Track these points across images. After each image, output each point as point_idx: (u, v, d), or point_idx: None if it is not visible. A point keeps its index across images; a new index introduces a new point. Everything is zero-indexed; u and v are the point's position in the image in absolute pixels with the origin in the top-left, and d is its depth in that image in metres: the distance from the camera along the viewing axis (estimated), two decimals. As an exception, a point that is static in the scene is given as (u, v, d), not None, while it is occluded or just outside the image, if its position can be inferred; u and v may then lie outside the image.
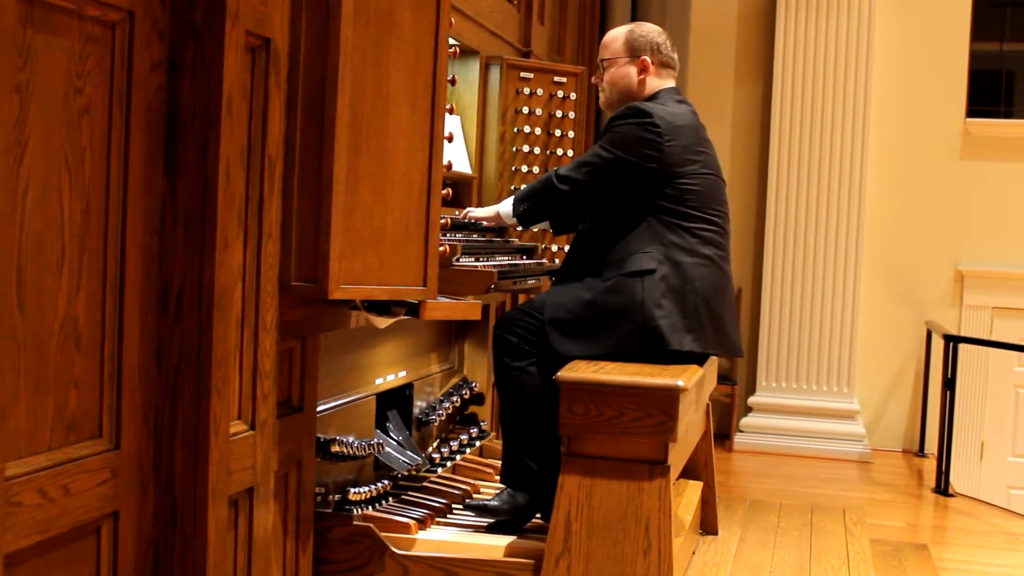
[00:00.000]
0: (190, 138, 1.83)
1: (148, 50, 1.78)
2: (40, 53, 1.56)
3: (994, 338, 5.66)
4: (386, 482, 2.97)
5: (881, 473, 5.37)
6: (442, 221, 2.86)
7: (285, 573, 2.45)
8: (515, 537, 2.84)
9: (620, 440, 2.65)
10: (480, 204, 3.75)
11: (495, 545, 2.78)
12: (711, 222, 3.03)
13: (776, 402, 5.78)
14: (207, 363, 1.83)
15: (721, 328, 3.01)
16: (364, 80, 2.24)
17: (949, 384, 4.99)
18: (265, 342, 2.03)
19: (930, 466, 5.34)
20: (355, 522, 2.72)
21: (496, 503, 2.93)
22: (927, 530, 4.50)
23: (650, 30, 3.20)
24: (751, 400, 5.84)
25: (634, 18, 5.39)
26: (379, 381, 3.10)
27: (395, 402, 3.23)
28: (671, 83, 3.19)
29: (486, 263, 3.15)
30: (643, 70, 3.15)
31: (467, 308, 2.55)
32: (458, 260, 2.98)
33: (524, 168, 3.86)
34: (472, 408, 3.79)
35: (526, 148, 3.84)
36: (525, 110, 3.81)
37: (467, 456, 3.55)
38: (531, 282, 3.42)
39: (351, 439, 2.79)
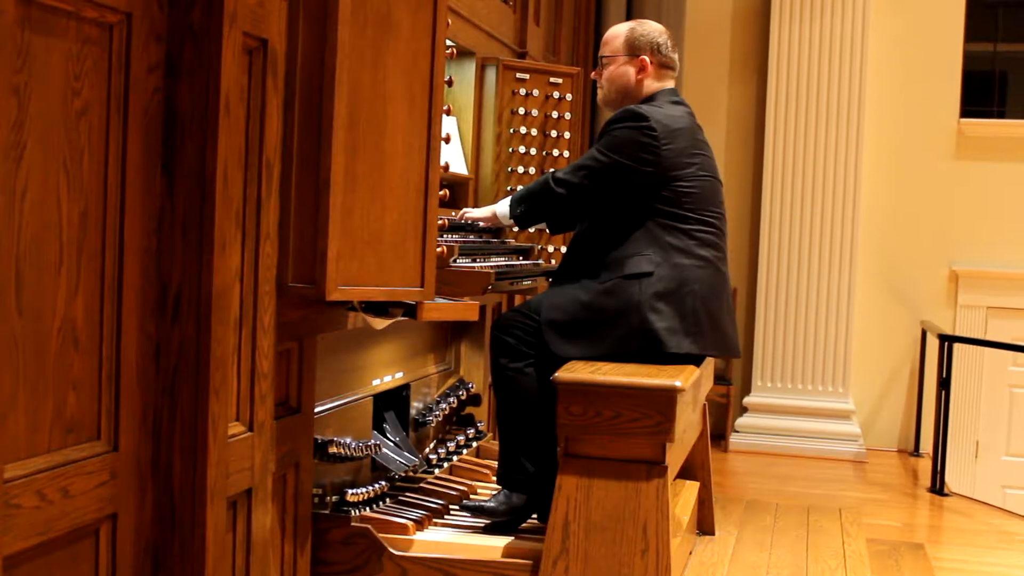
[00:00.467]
0: (188, 140, 1.82)
1: (146, 52, 1.77)
2: (38, 55, 1.56)
3: (988, 338, 5.67)
4: (383, 483, 2.97)
5: (876, 473, 5.38)
6: (439, 222, 2.86)
7: (283, 574, 2.45)
8: (513, 538, 2.85)
9: (618, 441, 2.66)
10: (476, 205, 3.76)
11: (493, 546, 2.78)
12: (708, 224, 3.03)
13: (772, 402, 5.79)
14: (205, 364, 1.83)
15: (719, 329, 3.01)
16: (362, 81, 2.24)
17: (944, 384, 5.00)
18: (263, 343, 2.03)
19: (925, 466, 5.35)
20: (353, 523, 2.72)
21: (492, 504, 2.93)
22: (923, 529, 4.51)
23: (652, 29, 3.19)
24: (747, 400, 5.85)
25: (629, 19, 5.40)
26: (376, 382, 3.10)
27: (392, 403, 3.23)
28: (670, 84, 3.19)
29: (483, 264, 3.15)
30: (641, 70, 3.14)
31: (464, 309, 2.55)
32: (455, 261, 2.98)
33: (520, 169, 3.86)
34: (469, 409, 3.79)
35: (522, 149, 3.84)
36: (521, 111, 3.81)
37: (464, 457, 3.55)
38: (528, 283, 3.42)
39: (348, 440, 2.79)
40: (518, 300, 4.14)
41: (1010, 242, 5.83)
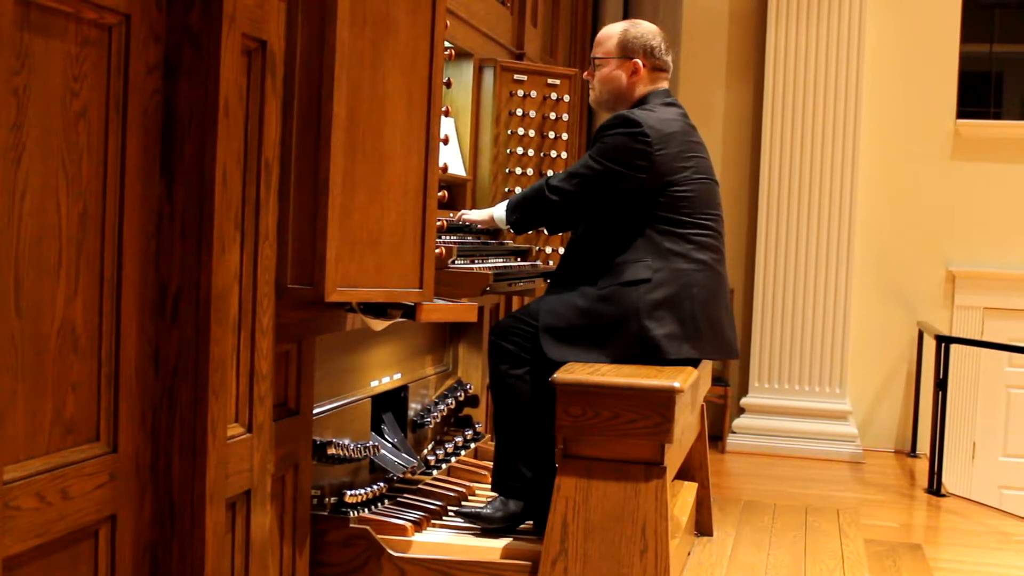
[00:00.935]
0: (187, 141, 1.82)
1: (145, 53, 1.77)
2: (37, 56, 1.56)
3: (985, 338, 5.68)
4: (382, 484, 2.97)
5: (874, 473, 5.39)
6: (438, 223, 2.86)
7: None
8: (511, 539, 2.85)
9: (616, 442, 2.66)
10: (474, 206, 3.75)
11: (491, 547, 2.78)
12: (705, 226, 3.02)
13: (769, 403, 5.79)
14: (204, 366, 1.83)
15: (718, 332, 3.01)
16: (360, 82, 2.24)
17: (941, 384, 5.01)
18: (262, 344, 2.03)
19: (922, 466, 5.35)
20: (351, 524, 2.72)
21: (489, 511, 2.92)
22: (920, 530, 4.51)
23: (645, 31, 3.14)
24: (744, 401, 5.86)
25: (626, 20, 5.40)
26: (374, 383, 3.10)
27: (390, 404, 3.23)
28: (663, 86, 3.15)
29: (481, 265, 3.15)
30: (634, 73, 3.11)
31: (463, 310, 2.55)
32: (454, 262, 2.98)
33: (518, 170, 3.86)
34: (467, 410, 3.79)
35: (520, 150, 3.84)
36: (519, 112, 3.81)
37: (462, 458, 3.55)
38: (526, 284, 3.42)
39: (347, 442, 2.79)
40: (516, 301, 4.14)
41: (1007, 243, 5.84)
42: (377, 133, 2.28)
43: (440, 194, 2.96)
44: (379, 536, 2.73)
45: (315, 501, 2.70)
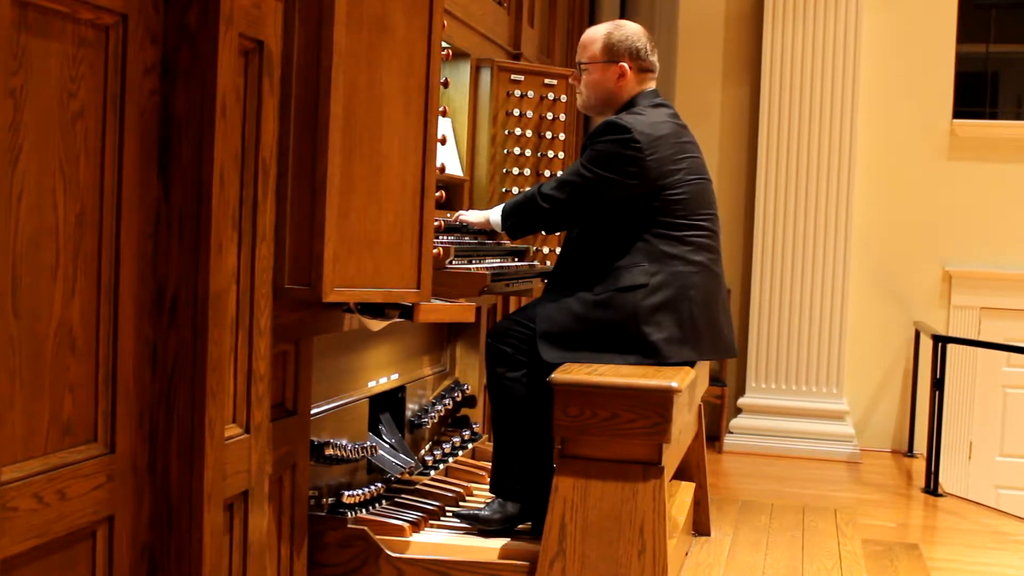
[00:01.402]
0: (184, 142, 1.82)
1: (142, 54, 1.77)
2: (34, 57, 1.56)
3: (982, 338, 5.69)
4: (379, 485, 2.97)
5: (871, 473, 5.39)
6: (435, 224, 2.86)
7: (279, 577, 2.45)
8: (509, 539, 2.85)
9: (614, 441, 2.66)
10: (472, 206, 3.76)
11: (489, 547, 2.78)
12: (701, 227, 3.01)
13: (766, 403, 5.80)
14: (202, 367, 1.83)
15: (717, 333, 3.01)
16: (357, 82, 2.24)
17: (938, 384, 5.01)
18: (260, 345, 2.02)
19: (919, 466, 5.36)
20: (349, 525, 2.72)
21: (487, 512, 2.92)
22: (917, 530, 4.52)
23: (630, 33, 3.09)
24: (741, 401, 5.86)
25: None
26: (372, 384, 3.10)
27: (388, 405, 3.23)
28: (651, 86, 3.13)
29: (479, 265, 3.15)
30: (621, 76, 3.07)
31: (461, 310, 2.55)
32: (451, 262, 2.98)
33: (515, 170, 3.86)
34: (464, 411, 3.79)
35: (517, 150, 3.84)
36: (516, 112, 3.81)
37: (460, 458, 3.55)
38: (523, 284, 3.42)
39: (344, 442, 2.79)
40: (513, 301, 4.14)
41: (1003, 242, 5.85)
42: (374, 134, 2.28)
43: (438, 194, 2.96)
44: (377, 536, 2.73)
45: (313, 502, 2.70)
